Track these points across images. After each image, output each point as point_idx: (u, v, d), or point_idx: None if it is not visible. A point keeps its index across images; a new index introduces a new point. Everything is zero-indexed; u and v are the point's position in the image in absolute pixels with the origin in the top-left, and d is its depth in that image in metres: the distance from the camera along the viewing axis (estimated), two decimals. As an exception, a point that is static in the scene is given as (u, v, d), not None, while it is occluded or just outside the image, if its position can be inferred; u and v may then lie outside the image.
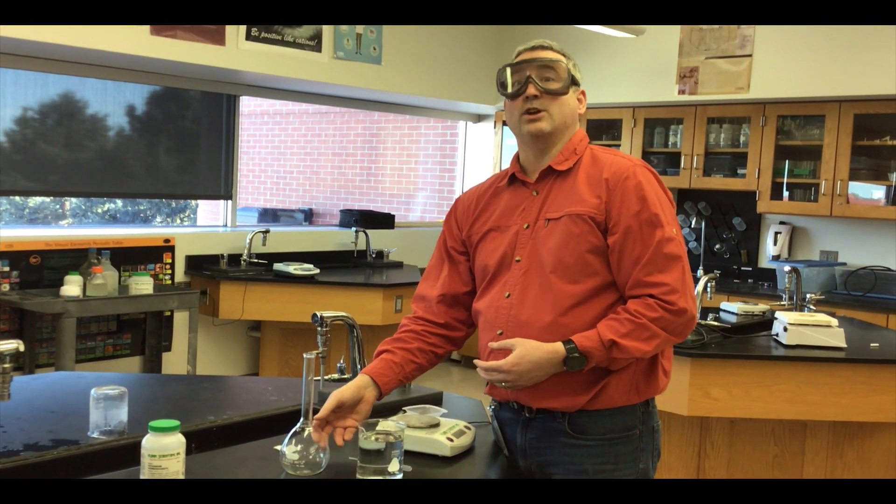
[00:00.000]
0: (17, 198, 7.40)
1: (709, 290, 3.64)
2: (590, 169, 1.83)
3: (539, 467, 1.85)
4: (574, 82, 1.88)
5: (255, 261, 5.28)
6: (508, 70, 1.88)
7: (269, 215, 8.52)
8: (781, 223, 5.73)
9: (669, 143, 5.95)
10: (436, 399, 2.28)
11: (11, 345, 1.66)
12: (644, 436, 1.84)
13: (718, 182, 5.69)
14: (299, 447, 1.68)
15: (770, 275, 5.67)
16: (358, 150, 8.43)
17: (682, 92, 5.62)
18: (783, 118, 5.45)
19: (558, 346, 1.71)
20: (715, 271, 3.88)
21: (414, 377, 1.92)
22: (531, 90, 1.83)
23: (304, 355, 1.74)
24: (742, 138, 5.63)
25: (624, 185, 1.76)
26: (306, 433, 1.70)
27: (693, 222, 6.00)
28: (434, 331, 1.95)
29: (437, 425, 1.90)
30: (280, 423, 2.10)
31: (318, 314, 2.12)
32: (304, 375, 1.73)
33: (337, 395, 1.73)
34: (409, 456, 1.78)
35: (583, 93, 1.93)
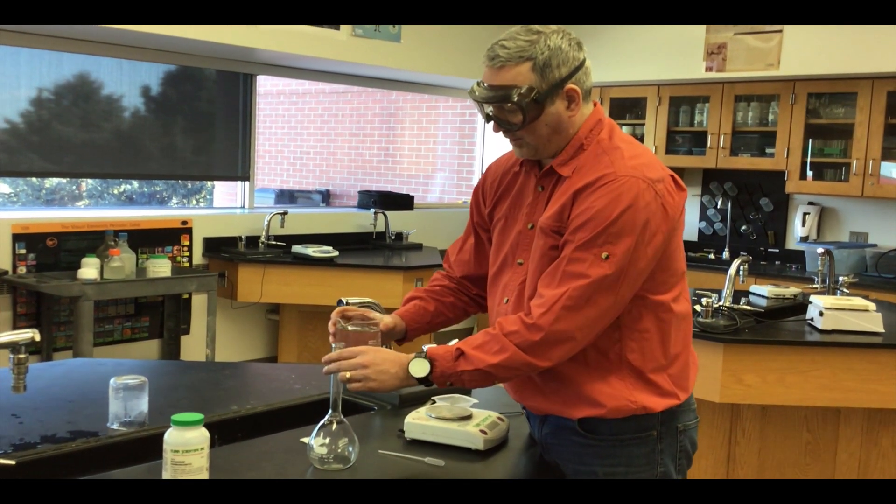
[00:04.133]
0: (33, 179, 7.37)
1: (741, 273, 3.54)
2: (584, 169, 1.64)
3: (555, 464, 1.77)
4: (553, 88, 1.63)
5: (274, 243, 5.21)
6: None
7: (286, 196, 8.45)
8: (810, 203, 5.60)
9: (695, 121, 5.82)
10: (465, 389, 2.20)
11: (26, 335, 1.59)
12: (664, 437, 1.69)
13: (746, 161, 5.56)
14: (327, 440, 1.61)
15: (798, 256, 5.55)
16: (376, 131, 8.33)
17: (709, 69, 5.48)
18: (813, 96, 5.31)
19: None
20: (742, 253, 3.77)
21: (438, 329, 1.96)
22: (496, 127, 1.69)
23: (332, 344, 1.67)
24: (771, 116, 5.50)
25: (583, 196, 1.60)
26: (334, 426, 1.62)
27: (719, 203, 5.88)
28: (469, 292, 1.96)
29: (469, 417, 1.83)
30: (306, 412, 2.04)
31: (344, 300, 2.04)
32: (332, 365, 1.65)
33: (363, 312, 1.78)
34: (441, 449, 1.72)
35: (573, 90, 1.64)
